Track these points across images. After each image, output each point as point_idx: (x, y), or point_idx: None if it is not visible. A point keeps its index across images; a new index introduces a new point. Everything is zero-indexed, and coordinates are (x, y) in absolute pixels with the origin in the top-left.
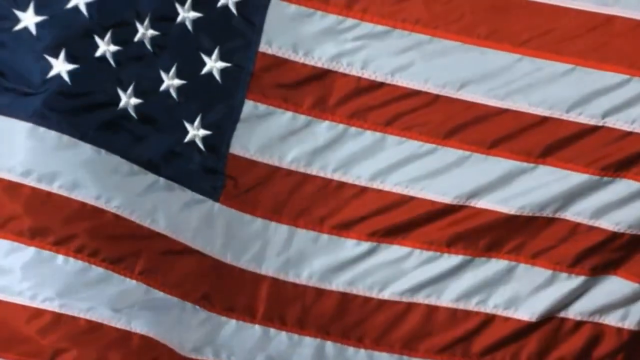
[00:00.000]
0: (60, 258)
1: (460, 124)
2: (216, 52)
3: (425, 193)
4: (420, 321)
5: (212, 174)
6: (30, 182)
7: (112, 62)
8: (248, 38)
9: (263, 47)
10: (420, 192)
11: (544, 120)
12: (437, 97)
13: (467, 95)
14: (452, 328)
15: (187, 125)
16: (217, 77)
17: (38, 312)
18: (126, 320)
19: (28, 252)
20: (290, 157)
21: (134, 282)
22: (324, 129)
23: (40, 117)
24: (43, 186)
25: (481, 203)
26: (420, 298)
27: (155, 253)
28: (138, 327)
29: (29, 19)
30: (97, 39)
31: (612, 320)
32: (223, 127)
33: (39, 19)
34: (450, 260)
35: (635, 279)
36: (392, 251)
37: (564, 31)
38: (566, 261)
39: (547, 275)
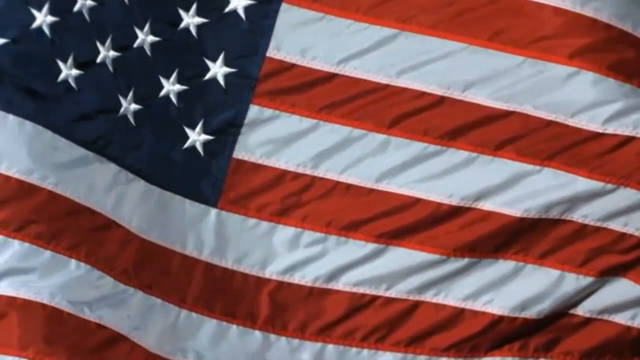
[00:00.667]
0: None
1: (466, 126)
2: (221, 57)
3: (430, 195)
4: (426, 319)
5: (211, 179)
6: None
7: (110, 68)
8: (256, 43)
9: (271, 52)
10: (425, 194)
11: (549, 123)
12: (442, 99)
13: (472, 97)
14: (459, 327)
15: (188, 131)
16: (222, 82)
17: None
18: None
19: None
20: (296, 161)
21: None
22: (331, 132)
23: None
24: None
25: (487, 205)
26: (428, 296)
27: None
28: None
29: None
30: (98, 45)
31: (621, 318)
32: (226, 132)
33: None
34: (457, 262)
35: None
36: (399, 253)
37: (567, 34)
38: (575, 261)
39: (556, 275)
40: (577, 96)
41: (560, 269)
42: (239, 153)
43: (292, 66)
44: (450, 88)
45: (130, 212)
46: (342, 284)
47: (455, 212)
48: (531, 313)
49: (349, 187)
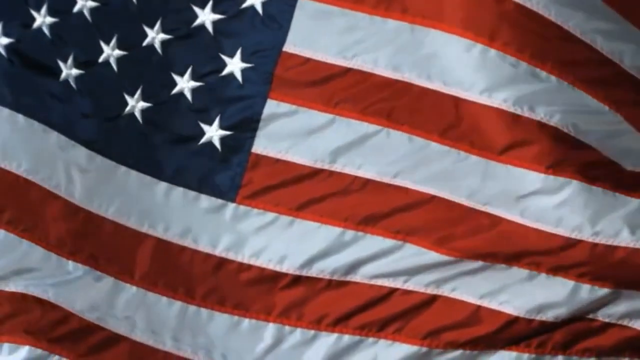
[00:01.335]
0: None
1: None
2: (239, 53)
3: (445, 193)
4: (443, 314)
5: (229, 174)
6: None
7: (115, 67)
8: (273, 38)
9: (287, 47)
10: (439, 192)
11: None
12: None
13: None
14: (476, 324)
15: (204, 127)
16: (239, 77)
17: None
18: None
19: None
20: (314, 156)
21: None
22: (347, 127)
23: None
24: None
25: (498, 211)
26: (446, 291)
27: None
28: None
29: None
30: (102, 44)
31: None
32: (244, 127)
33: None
34: (472, 264)
35: None
36: (416, 250)
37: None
38: (590, 275)
39: (570, 285)
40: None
41: (575, 281)
42: (258, 148)
43: (308, 60)
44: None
45: (136, 210)
46: (359, 277)
47: (468, 213)
48: (547, 316)
49: (366, 182)
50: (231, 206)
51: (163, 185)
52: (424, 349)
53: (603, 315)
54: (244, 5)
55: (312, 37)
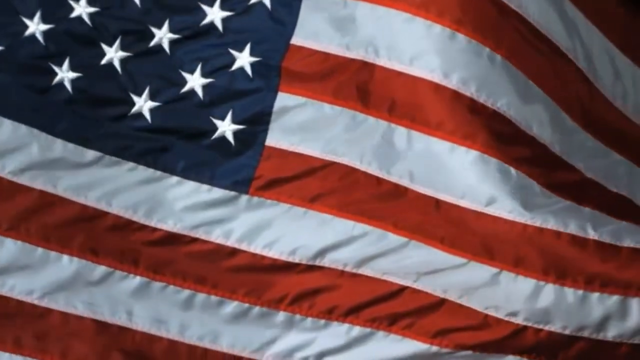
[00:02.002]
0: None
1: None
2: (248, 47)
3: (452, 199)
4: (452, 317)
5: (243, 167)
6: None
7: (118, 68)
8: (281, 31)
9: (295, 39)
10: (445, 197)
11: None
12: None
13: None
14: (484, 330)
15: (217, 122)
16: (249, 71)
17: None
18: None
19: None
20: (326, 148)
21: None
22: (352, 120)
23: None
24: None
25: (499, 212)
26: (453, 297)
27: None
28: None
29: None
30: (104, 46)
31: None
32: (257, 120)
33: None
34: (479, 268)
35: None
36: (426, 249)
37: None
38: (597, 281)
39: (578, 294)
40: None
41: (582, 289)
42: (271, 141)
43: (317, 52)
44: None
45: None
46: (370, 270)
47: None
48: (556, 327)
49: (378, 179)
50: (244, 197)
51: (174, 179)
52: (434, 348)
53: (614, 336)
54: (253, 0)
55: (321, 29)
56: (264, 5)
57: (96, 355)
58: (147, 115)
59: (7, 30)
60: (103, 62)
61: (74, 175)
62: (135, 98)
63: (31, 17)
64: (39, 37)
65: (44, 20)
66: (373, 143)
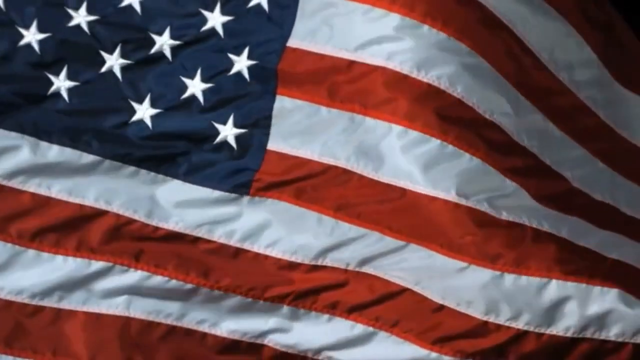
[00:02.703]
0: None
1: None
2: (246, 51)
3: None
4: (451, 323)
5: (244, 170)
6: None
7: (119, 76)
8: (278, 33)
9: (292, 42)
10: (443, 194)
11: None
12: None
13: None
14: (484, 336)
15: (218, 126)
16: (246, 75)
17: None
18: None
19: None
20: (326, 151)
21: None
22: (351, 122)
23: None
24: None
25: (505, 215)
26: (452, 304)
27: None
28: None
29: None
30: (104, 54)
31: None
32: (257, 124)
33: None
34: (479, 271)
35: None
36: (424, 252)
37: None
38: (599, 276)
39: (581, 288)
40: None
41: (585, 283)
42: (272, 144)
43: (314, 54)
44: None
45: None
46: (373, 269)
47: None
48: (558, 330)
49: (374, 182)
50: (245, 198)
51: (176, 182)
52: (434, 354)
53: (616, 335)
54: (251, 4)
55: (318, 31)
56: (261, 7)
57: (89, 350)
58: (149, 122)
59: (3, 39)
60: (103, 70)
61: (71, 178)
62: (136, 105)
63: (27, 27)
64: (35, 46)
65: (41, 29)
66: (370, 144)
